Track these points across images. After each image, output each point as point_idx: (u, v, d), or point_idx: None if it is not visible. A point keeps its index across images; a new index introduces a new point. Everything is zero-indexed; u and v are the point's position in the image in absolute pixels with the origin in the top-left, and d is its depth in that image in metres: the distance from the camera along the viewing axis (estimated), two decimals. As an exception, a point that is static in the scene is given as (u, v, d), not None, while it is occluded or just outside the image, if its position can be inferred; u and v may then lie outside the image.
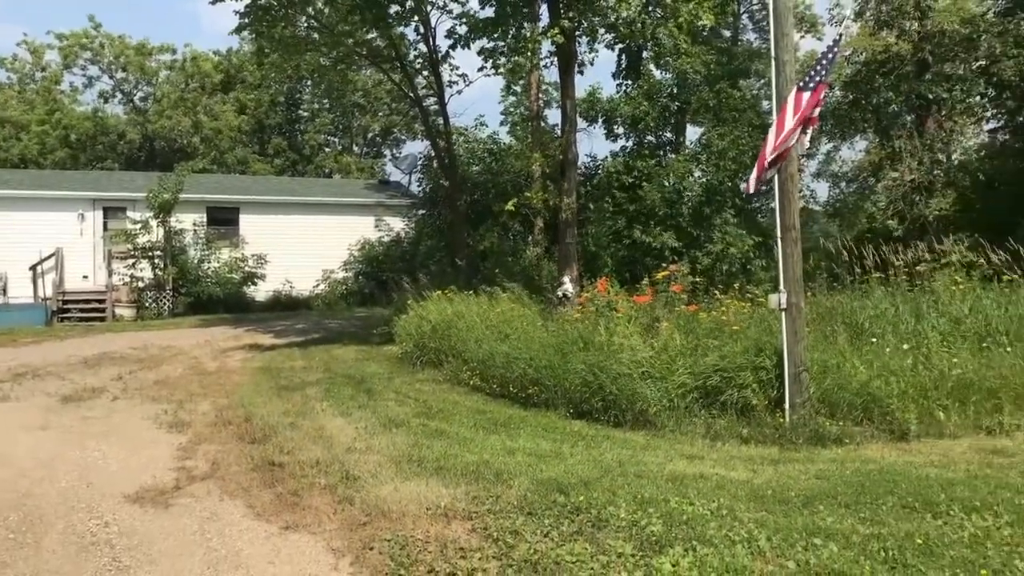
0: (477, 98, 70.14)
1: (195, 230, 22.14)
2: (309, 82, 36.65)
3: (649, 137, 18.22)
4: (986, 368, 8.00)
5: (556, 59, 15.11)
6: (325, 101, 41.02)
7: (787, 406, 6.87)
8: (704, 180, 15.76)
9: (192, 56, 40.82)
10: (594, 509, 4.53)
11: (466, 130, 21.87)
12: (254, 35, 17.32)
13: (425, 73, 18.65)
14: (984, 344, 8.97)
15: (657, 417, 7.20)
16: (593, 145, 79.63)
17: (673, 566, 3.75)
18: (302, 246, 24.00)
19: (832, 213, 23.83)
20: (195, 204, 22.50)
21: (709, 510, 4.54)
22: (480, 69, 14.91)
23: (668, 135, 18.77)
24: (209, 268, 21.48)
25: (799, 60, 24.20)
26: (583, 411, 7.80)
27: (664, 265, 12.89)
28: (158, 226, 20.59)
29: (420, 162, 22.97)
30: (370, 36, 17.56)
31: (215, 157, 38.03)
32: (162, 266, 20.47)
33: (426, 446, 6.28)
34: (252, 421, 7.52)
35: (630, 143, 18.35)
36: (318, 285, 23.96)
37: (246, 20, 16.01)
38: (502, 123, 21.41)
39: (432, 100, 19.35)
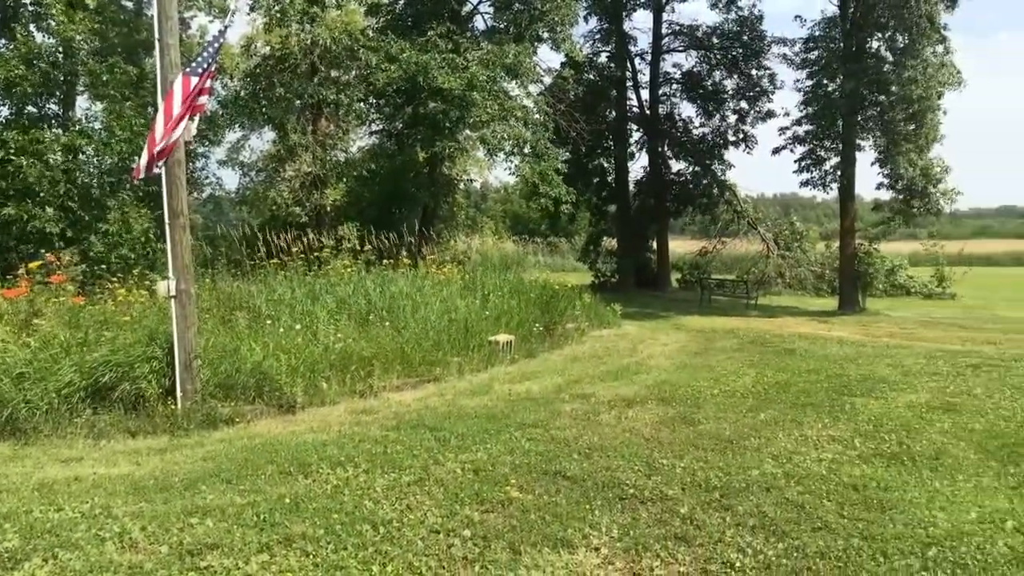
0: None
1: None
2: None
3: (30, 107, 15.86)
4: (365, 340, 9.27)
5: None
6: None
7: (179, 394, 6.82)
8: (97, 159, 14.40)
9: None
10: (-79, 543, 3.82)
11: None
12: None
13: None
14: (367, 319, 10.37)
15: (30, 423, 6.38)
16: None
17: (28, 581, 3.42)
18: None
19: (241, 201, 24.24)
20: None
21: (80, 512, 4.25)
22: None
23: (54, 107, 16.61)
24: None
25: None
26: (-75, 430, 6.46)
27: (49, 252, 11.45)
28: None
29: None
30: None
31: None
32: None
33: None
34: None
35: (6, 111, 15.74)
36: None
37: None
38: None
39: None
